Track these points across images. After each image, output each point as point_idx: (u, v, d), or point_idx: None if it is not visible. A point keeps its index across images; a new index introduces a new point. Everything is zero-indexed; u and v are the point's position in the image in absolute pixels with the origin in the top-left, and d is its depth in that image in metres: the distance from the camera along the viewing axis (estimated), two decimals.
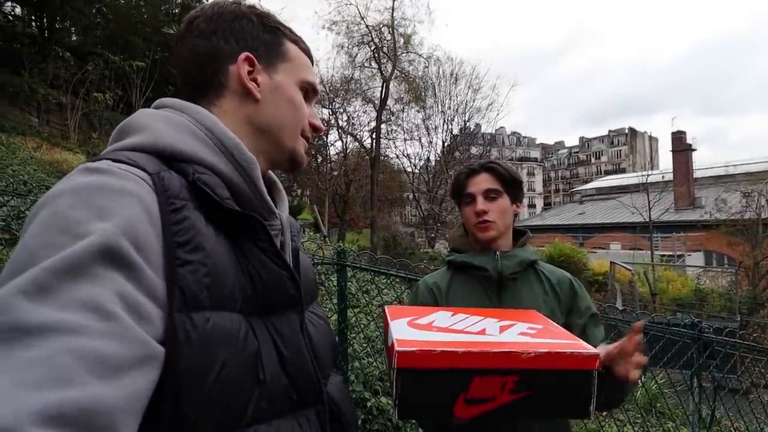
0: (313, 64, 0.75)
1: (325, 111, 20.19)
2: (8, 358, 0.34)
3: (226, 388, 0.49)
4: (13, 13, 13.22)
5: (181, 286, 0.47)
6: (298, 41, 0.72)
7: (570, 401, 0.77)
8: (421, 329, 0.85)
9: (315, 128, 0.74)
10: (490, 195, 1.25)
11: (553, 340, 0.82)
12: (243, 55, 0.65)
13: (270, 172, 0.75)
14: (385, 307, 1.03)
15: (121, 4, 13.76)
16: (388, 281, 3.28)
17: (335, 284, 2.44)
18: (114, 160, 0.51)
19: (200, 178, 0.54)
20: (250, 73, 0.66)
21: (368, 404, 2.54)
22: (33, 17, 13.17)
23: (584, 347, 0.79)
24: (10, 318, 0.36)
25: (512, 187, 1.28)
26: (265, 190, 0.64)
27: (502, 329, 0.87)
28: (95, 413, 0.35)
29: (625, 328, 2.90)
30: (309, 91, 0.73)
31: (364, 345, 3.00)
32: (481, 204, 1.23)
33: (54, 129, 11.04)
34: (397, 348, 0.72)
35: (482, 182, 1.26)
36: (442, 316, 0.95)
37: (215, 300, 0.50)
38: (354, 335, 2.88)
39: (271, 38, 0.68)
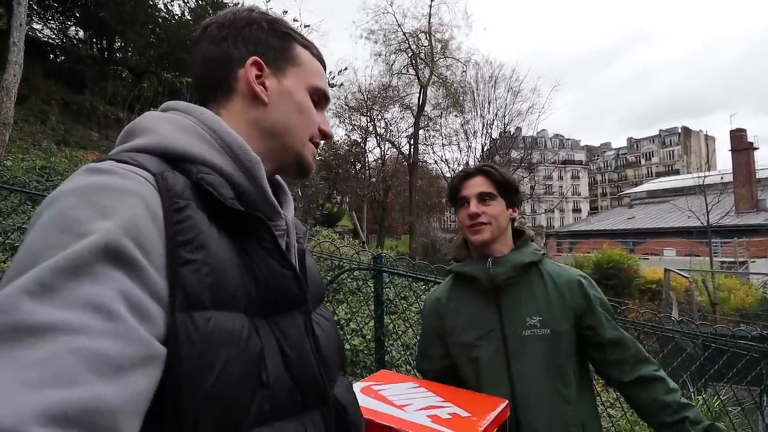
0: (325, 70, 0.75)
1: (363, 119, 20.44)
2: (11, 357, 0.34)
3: (228, 388, 0.48)
4: (77, 36, 14.38)
5: (183, 285, 0.47)
6: (309, 46, 0.72)
7: None
8: (368, 396, 1.01)
9: (325, 135, 0.73)
10: (483, 198, 1.23)
11: (440, 427, 0.89)
12: (251, 59, 0.66)
13: (277, 176, 0.75)
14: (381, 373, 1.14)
15: (172, 24, 14.61)
16: (426, 287, 3.24)
17: (372, 290, 2.43)
18: (117, 161, 0.51)
19: (203, 178, 0.54)
20: (258, 77, 0.66)
21: None
22: (94, 40, 14.23)
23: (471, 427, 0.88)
24: (13, 318, 0.36)
25: (507, 190, 1.26)
26: (269, 190, 0.63)
27: (429, 407, 0.96)
28: (98, 413, 0.34)
29: (682, 340, 2.69)
30: (320, 98, 0.72)
31: (402, 352, 2.96)
32: (474, 206, 1.22)
33: (112, 142, 11.60)
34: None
35: (476, 185, 1.25)
36: (399, 388, 1.07)
37: (217, 299, 0.50)
38: (392, 342, 2.86)
39: (280, 43, 0.69)
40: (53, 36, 13.87)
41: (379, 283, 2.32)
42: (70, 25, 13.87)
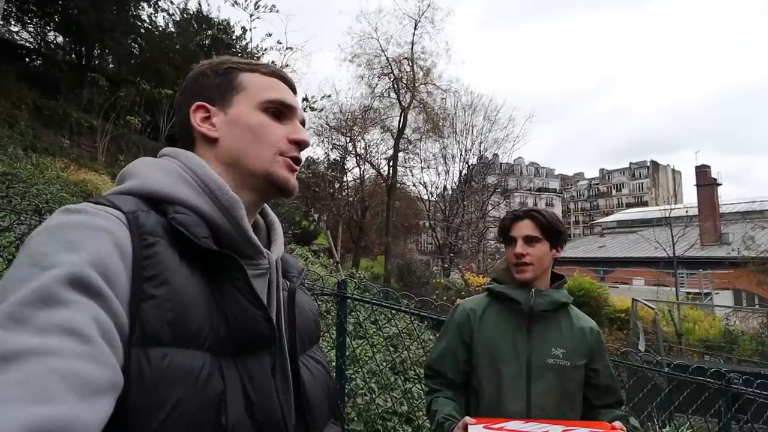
0: (289, 86, 0.74)
1: (343, 138, 20.56)
2: None
3: (178, 428, 0.47)
4: (55, 41, 14.07)
5: (143, 320, 0.48)
6: (257, 69, 0.72)
7: None
8: (493, 430, 1.05)
9: (297, 143, 0.70)
10: (529, 240, 1.37)
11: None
12: (193, 106, 0.69)
13: (271, 212, 0.77)
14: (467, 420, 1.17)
15: (155, 34, 14.49)
16: (397, 314, 3.19)
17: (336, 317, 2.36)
18: (94, 203, 0.54)
19: (175, 218, 0.56)
20: (206, 119, 0.69)
21: None
22: (73, 45, 13.95)
23: None
24: None
25: (552, 233, 1.39)
26: (249, 228, 0.63)
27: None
28: (75, 430, 0.36)
29: (649, 373, 2.72)
30: (280, 108, 0.70)
31: (369, 377, 2.85)
32: (520, 248, 1.36)
33: (83, 150, 11.49)
34: None
35: (523, 228, 1.38)
36: (514, 424, 1.11)
37: (178, 337, 0.50)
38: (357, 368, 2.78)
39: (222, 80, 0.70)
40: (30, 39, 13.54)
41: (342, 310, 2.26)
42: (49, 30, 13.58)
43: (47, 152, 9.38)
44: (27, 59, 13.31)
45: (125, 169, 0.64)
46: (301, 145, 0.71)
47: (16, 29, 13.07)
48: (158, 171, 0.62)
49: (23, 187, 5.66)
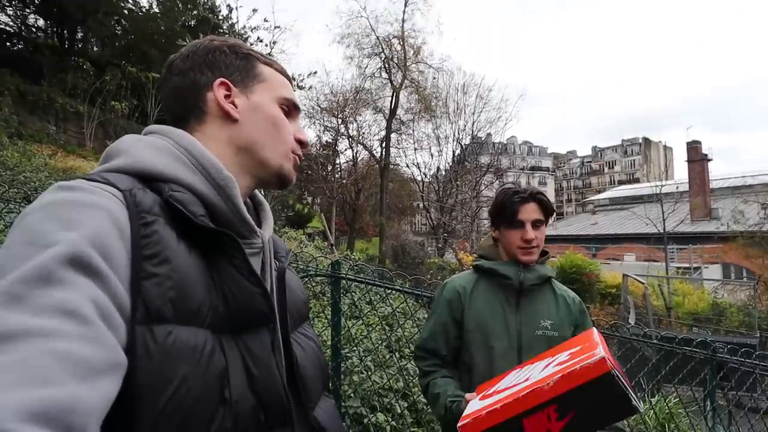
0: (291, 83, 0.77)
1: (335, 120, 20.34)
2: None
3: (185, 404, 0.48)
4: (36, 24, 13.64)
5: (145, 298, 0.48)
6: (271, 63, 0.75)
7: (611, 405, 0.83)
8: (486, 398, 1.01)
9: (301, 142, 0.75)
10: (536, 224, 1.40)
11: (573, 360, 0.89)
12: (218, 81, 0.68)
13: (258, 193, 0.77)
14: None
15: (139, 16, 14.09)
16: (391, 293, 3.23)
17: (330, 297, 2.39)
18: (88, 179, 0.53)
19: (173, 196, 0.56)
20: (227, 97, 0.68)
21: (365, 421, 2.45)
22: (55, 29, 13.55)
23: (592, 355, 0.85)
24: None
25: (550, 215, 1.45)
26: (244, 208, 0.64)
27: (544, 368, 0.97)
28: (74, 413, 0.35)
29: (638, 344, 2.80)
30: (290, 108, 0.75)
31: (365, 355, 2.92)
32: (531, 233, 1.38)
33: (71, 137, 11.29)
34: (459, 424, 0.91)
35: (532, 212, 1.40)
36: (508, 379, 1.08)
37: (180, 314, 0.50)
38: (353, 347, 2.84)
39: (244, 63, 0.71)
40: (10, 23, 13.11)
41: (336, 290, 2.28)
42: (29, 13, 13.14)
43: (33, 139, 9.22)
44: (8, 43, 12.92)
45: (112, 146, 0.62)
46: (304, 144, 0.76)
47: None
48: (149, 148, 0.61)
49: (10, 175, 5.58)
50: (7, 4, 12.52)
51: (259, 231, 0.68)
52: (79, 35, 13.69)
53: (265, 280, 0.68)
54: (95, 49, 14.56)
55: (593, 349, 0.89)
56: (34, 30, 13.55)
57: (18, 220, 0.47)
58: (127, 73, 11.42)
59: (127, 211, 0.51)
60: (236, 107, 0.68)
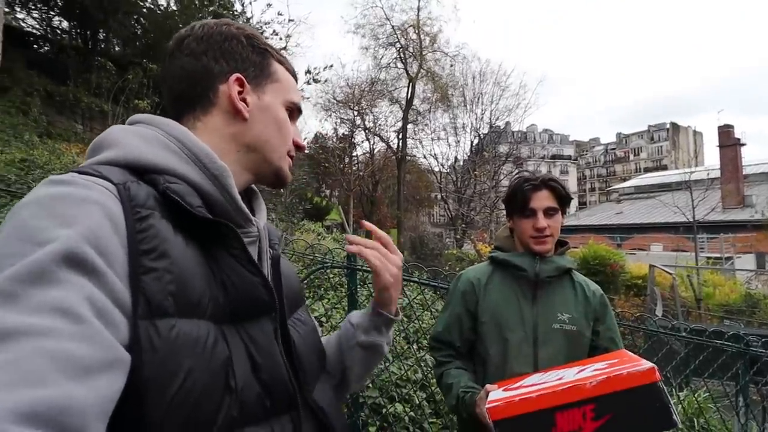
0: (297, 82, 0.77)
1: (351, 112, 20.34)
2: None
3: (192, 395, 0.48)
4: (60, 26, 14.02)
5: (146, 293, 0.47)
6: (284, 62, 0.74)
7: (651, 415, 0.83)
8: (511, 390, 1.00)
9: (298, 146, 0.76)
10: (549, 212, 1.35)
11: (617, 366, 0.89)
12: (234, 76, 0.67)
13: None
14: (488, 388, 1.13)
15: (157, 14, 14.30)
16: (416, 287, 3.22)
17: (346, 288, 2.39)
18: (80, 173, 0.52)
19: (169, 187, 0.55)
20: (240, 93, 0.67)
21: (383, 411, 2.46)
22: (78, 30, 13.90)
23: (641, 364, 0.87)
24: None
25: (565, 203, 1.39)
26: (239, 197, 0.63)
27: (579, 371, 0.97)
28: (68, 413, 0.35)
29: (665, 337, 2.71)
30: (293, 111, 0.75)
31: None
32: (542, 221, 1.34)
33: (97, 135, 11.58)
34: (487, 406, 0.92)
35: (544, 199, 1.35)
36: (532, 378, 1.08)
37: (181, 307, 0.50)
38: None
39: (260, 59, 0.70)
40: (36, 26, 13.52)
41: (353, 281, 2.28)
42: (54, 15, 13.51)
43: (61, 138, 9.52)
44: (35, 46, 13.33)
45: (99, 138, 0.61)
46: (301, 148, 0.77)
47: (21, 16, 13.04)
48: (139, 139, 0.60)
49: (41, 173, 5.76)
50: (33, 7, 12.90)
51: (254, 219, 0.68)
52: (101, 36, 14.00)
53: (262, 268, 0.68)
54: (117, 48, 14.87)
55: (638, 360, 0.91)
56: (59, 32, 13.92)
57: (10, 215, 0.46)
58: (148, 71, 11.63)
59: (121, 206, 0.50)
60: (247, 105, 0.68)
